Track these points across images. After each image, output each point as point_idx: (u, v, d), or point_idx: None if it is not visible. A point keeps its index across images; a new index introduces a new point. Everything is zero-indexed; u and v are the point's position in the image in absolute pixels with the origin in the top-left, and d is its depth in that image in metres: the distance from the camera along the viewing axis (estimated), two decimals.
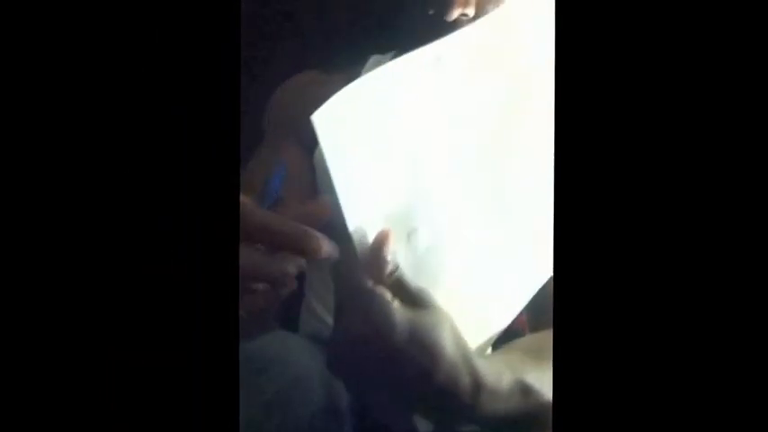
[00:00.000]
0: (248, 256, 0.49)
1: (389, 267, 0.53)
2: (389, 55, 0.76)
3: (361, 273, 0.52)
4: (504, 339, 0.64)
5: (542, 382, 0.57)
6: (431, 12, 0.64)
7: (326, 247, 0.50)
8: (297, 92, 0.84)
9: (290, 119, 0.79)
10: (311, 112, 0.50)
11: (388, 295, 0.52)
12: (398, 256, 0.54)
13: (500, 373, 0.56)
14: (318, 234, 0.50)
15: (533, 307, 0.64)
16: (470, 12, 0.64)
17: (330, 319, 0.59)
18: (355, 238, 0.53)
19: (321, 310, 0.76)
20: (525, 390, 0.57)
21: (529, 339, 0.65)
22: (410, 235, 0.55)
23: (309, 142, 0.66)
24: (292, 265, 0.50)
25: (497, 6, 0.63)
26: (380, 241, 0.53)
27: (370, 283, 0.52)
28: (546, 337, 0.55)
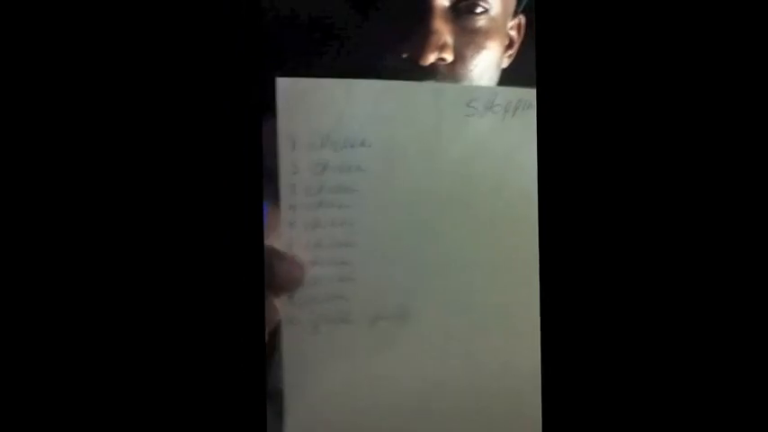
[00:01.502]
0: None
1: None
2: None
3: None
4: None
5: None
6: (404, 56, 0.62)
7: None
8: None
9: None
10: None
11: None
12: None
13: None
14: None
15: None
16: (448, 57, 0.63)
17: None
18: None
19: None
20: None
21: None
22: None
23: None
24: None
25: (477, 53, 0.62)
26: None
27: None
28: None
